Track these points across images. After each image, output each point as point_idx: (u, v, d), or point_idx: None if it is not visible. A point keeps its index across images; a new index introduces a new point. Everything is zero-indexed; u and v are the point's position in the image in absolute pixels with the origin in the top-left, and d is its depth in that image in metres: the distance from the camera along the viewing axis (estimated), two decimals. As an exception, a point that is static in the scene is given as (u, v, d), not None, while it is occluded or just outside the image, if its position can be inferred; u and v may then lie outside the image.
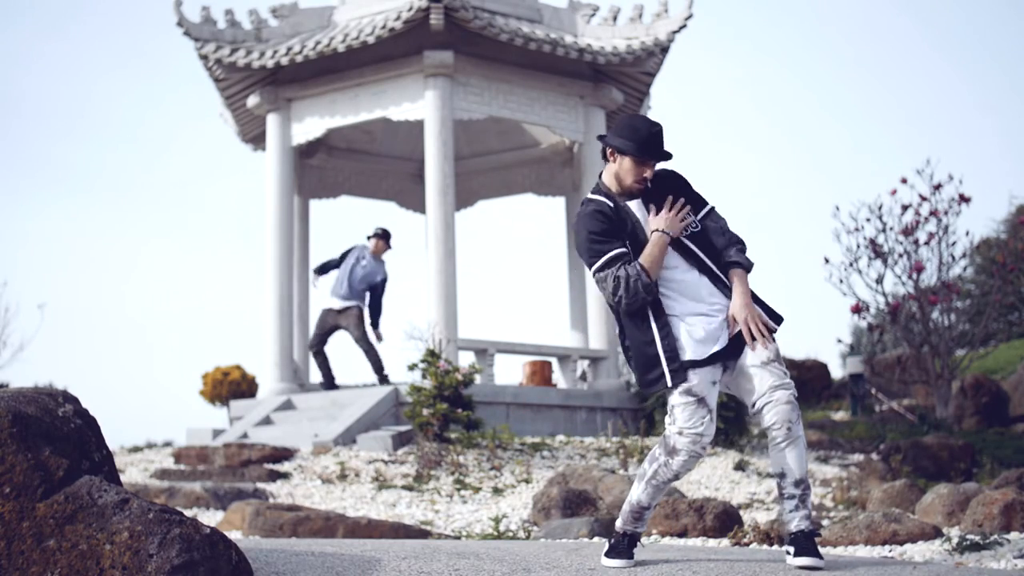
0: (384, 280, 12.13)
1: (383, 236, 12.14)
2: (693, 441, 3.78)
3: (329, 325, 12.10)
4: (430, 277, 12.48)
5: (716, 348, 3.84)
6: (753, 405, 3.82)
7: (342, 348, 12.51)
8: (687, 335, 3.85)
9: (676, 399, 3.82)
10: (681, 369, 3.81)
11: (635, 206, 4.01)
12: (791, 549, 3.77)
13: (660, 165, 4.07)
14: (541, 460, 9.74)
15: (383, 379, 12.03)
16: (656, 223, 3.93)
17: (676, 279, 3.92)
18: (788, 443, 3.76)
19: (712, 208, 4.07)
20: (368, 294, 12.07)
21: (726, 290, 3.93)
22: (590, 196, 4.06)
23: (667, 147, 3.99)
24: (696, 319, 3.88)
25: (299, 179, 14.64)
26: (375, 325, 12.06)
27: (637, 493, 3.93)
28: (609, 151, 4.03)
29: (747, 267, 3.97)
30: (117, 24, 45.42)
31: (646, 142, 3.93)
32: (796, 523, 3.77)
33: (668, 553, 4.28)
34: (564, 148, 15.18)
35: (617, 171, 4.00)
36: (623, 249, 3.90)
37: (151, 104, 43.58)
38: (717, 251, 3.99)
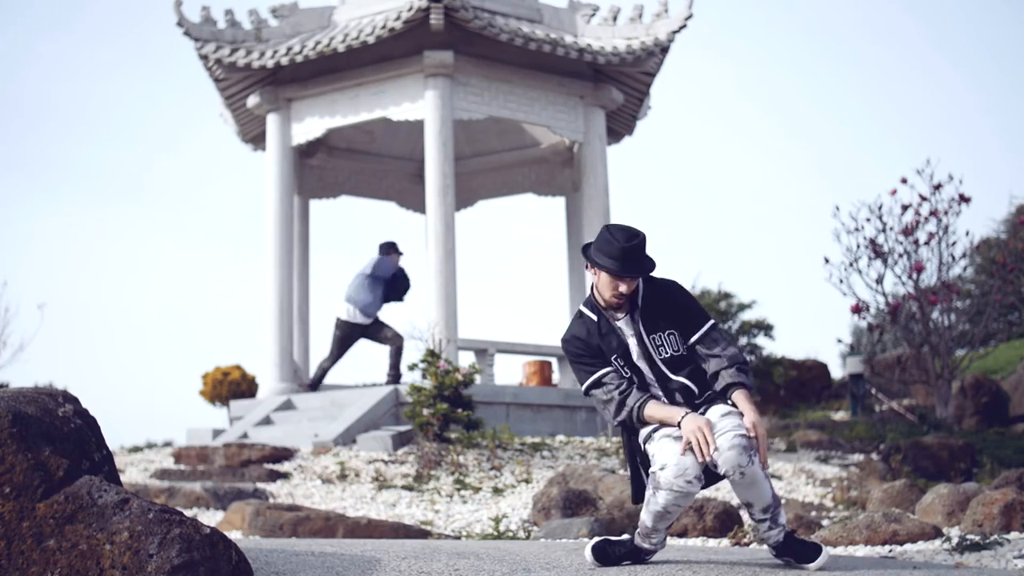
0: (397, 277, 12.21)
1: (394, 248, 12.20)
2: (676, 474, 3.68)
3: (356, 338, 12.16)
4: (430, 277, 12.48)
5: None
6: None
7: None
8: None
9: (659, 442, 3.81)
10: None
11: (625, 322, 3.96)
12: (792, 560, 3.86)
13: (660, 274, 4.00)
14: (541, 460, 9.74)
15: (396, 379, 11.99)
16: (687, 423, 3.70)
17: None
18: (745, 483, 3.72)
19: (711, 328, 3.94)
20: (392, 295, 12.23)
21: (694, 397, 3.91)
22: (580, 309, 4.09)
23: (645, 259, 3.87)
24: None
25: (299, 179, 14.64)
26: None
27: (642, 512, 3.90)
28: (587, 263, 3.99)
29: (749, 388, 3.86)
30: (117, 24, 45.42)
31: (619, 258, 3.85)
32: (775, 537, 3.85)
33: (668, 553, 4.28)
34: (564, 148, 15.18)
35: (597, 284, 3.98)
36: (609, 369, 3.93)
37: (151, 104, 43.59)
38: (702, 371, 3.92)
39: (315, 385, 12.51)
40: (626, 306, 3.98)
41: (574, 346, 3.99)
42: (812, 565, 3.80)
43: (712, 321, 3.98)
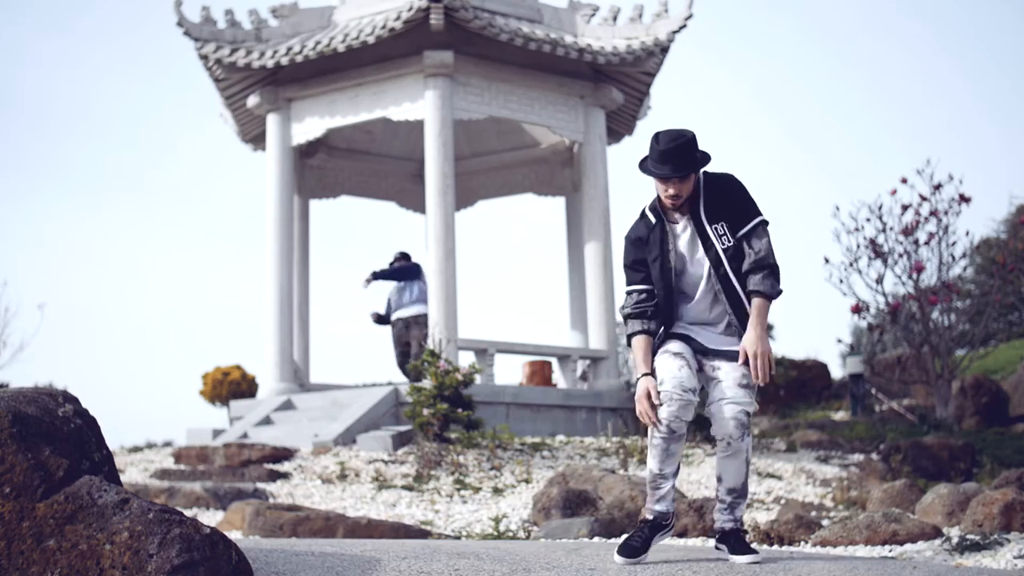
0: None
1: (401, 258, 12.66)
2: (673, 386, 3.84)
3: (407, 337, 12.26)
4: (430, 277, 12.49)
5: (694, 336, 4.01)
6: (708, 408, 3.96)
7: (340, 345, 12.40)
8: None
9: (659, 359, 3.97)
10: (665, 337, 4.03)
11: (684, 222, 3.99)
12: (724, 547, 3.96)
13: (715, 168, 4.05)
14: (541, 460, 9.74)
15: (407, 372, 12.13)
16: (641, 384, 3.90)
17: (687, 304, 4.03)
18: (727, 455, 3.93)
19: (757, 225, 3.98)
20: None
21: (739, 314, 3.97)
22: (644, 209, 4.09)
23: (688, 158, 3.86)
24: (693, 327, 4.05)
25: (299, 179, 14.63)
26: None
27: (647, 459, 3.98)
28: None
29: (769, 296, 3.92)
30: (117, 24, 45.44)
31: (660, 160, 3.89)
32: (720, 523, 4.00)
33: (668, 553, 4.28)
34: (564, 148, 15.18)
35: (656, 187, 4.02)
36: (642, 287, 4.02)
37: (151, 104, 43.62)
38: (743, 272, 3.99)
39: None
40: (687, 206, 3.99)
41: (626, 249, 4.09)
42: (739, 559, 3.85)
43: (760, 218, 4.00)
